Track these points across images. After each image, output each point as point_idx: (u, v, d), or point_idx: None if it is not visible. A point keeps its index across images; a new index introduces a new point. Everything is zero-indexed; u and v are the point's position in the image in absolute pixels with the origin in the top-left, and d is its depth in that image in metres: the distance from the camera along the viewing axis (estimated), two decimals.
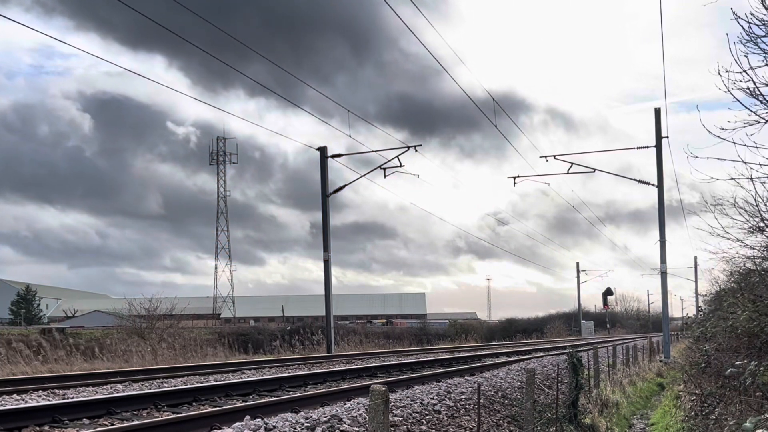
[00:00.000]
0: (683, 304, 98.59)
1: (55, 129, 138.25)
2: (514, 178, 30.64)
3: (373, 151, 29.41)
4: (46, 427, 7.85)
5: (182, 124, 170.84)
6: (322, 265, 29.66)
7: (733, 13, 6.65)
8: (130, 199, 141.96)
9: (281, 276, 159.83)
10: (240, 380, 12.47)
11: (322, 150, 29.71)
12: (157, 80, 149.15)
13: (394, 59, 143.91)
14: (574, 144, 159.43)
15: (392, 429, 7.93)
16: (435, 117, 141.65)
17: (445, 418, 9.37)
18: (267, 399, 10.31)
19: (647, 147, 28.07)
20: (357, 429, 7.48)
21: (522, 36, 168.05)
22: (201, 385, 11.48)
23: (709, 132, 7.30)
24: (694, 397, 11.33)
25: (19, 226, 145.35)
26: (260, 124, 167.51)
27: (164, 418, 7.96)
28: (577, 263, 74.45)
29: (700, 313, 19.89)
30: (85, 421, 8.28)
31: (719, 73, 6.86)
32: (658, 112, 28.19)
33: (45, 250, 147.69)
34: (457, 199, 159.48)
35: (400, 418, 8.60)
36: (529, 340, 55.06)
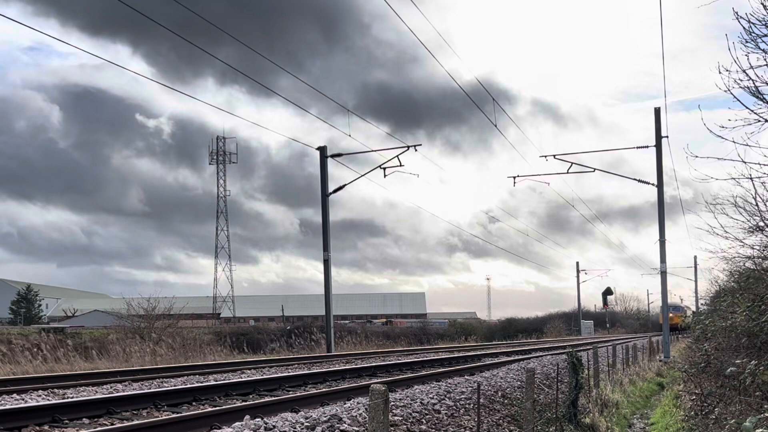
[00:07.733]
0: (683, 303, 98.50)
1: (26, 122, 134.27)
2: (514, 177, 30.66)
3: (373, 151, 29.39)
4: (46, 427, 7.85)
5: (157, 117, 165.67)
6: (315, 263, 30.15)
7: (735, 12, 6.65)
8: (112, 196, 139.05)
9: (276, 275, 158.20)
10: (240, 380, 12.48)
11: (322, 150, 29.68)
12: (124, 71, 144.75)
13: (366, 45, 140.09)
14: (563, 137, 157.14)
15: (392, 428, 7.93)
16: (419, 108, 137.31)
17: (445, 417, 9.37)
18: (267, 398, 10.30)
19: (647, 147, 28.04)
20: (357, 428, 7.48)
21: (506, 27, 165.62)
22: (201, 384, 11.47)
23: (710, 131, 7.30)
24: (694, 397, 11.30)
25: (0, 222, 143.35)
26: (242, 117, 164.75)
27: (164, 417, 7.96)
28: (577, 263, 74.57)
29: (701, 307, 19.92)
30: (85, 420, 8.29)
31: (719, 71, 6.86)
32: (657, 111, 28.07)
33: (32, 249, 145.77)
34: (447, 196, 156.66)
35: (400, 418, 8.60)
36: (529, 340, 55.05)
